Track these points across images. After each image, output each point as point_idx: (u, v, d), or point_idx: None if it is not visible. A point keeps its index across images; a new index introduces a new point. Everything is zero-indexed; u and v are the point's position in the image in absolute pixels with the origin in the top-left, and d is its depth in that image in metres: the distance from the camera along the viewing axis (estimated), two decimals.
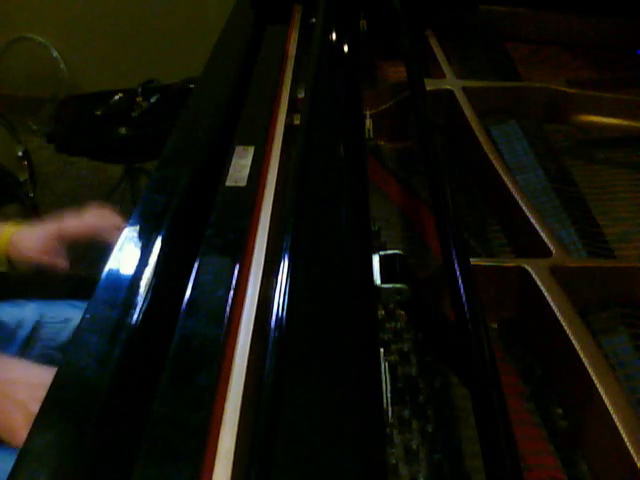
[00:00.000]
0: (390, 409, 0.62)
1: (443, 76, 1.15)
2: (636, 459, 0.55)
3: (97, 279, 0.65)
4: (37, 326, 1.10)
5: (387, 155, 1.12)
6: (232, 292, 0.61)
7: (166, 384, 0.52)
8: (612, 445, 0.58)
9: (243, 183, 0.77)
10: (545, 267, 0.75)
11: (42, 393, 0.56)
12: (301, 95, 0.99)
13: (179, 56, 2.35)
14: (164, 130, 1.10)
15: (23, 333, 1.08)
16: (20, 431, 0.68)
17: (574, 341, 0.66)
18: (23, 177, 1.94)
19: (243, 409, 0.51)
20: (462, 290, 0.61)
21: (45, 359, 1.06)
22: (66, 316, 1.11)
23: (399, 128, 1.14)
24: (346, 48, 1.09)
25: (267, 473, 0.45)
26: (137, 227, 0.73)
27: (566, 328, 0.67)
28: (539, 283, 0.73)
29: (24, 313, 1.12)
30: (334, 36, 1.10)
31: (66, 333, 1.09)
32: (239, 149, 0.83)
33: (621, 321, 0.76)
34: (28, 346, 1.07)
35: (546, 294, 0.71)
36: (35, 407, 0.67)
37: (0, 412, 0.71)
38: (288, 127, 0.91)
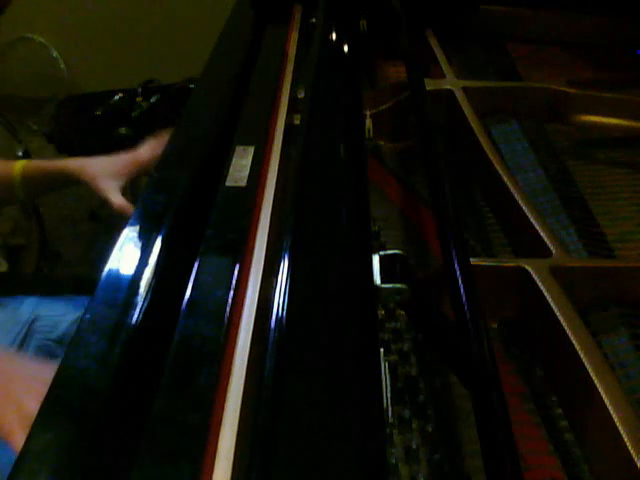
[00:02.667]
0: (390, 409, 0.62)
1: (443, 76, 1.15)
2: (636, 459, 0.55)
3: (97, 279, 0.65)
4: (35, 319, 1.11)
5: (387, 155, 1.12)
6: (232, 292, 0.61)
7: (166, 384, 0.52)
8: (612, 445, 0.58)
9: (243, 183, 0.77)
10: (545, 267, 0.75)
11: (38, 389, 0.56)
12: (301, 95, 0.98)
13: (179, 56, 2.35)
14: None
15: (21, 326, 1.09)
16: (13, 427, 0.67)
17: (574, 341, 0.66)
18: None
19: (243, 409, 0.51)
20: (462, 290, 0.61)
21: (43, 351, 1.07)
22: (64, 310, 1.12)
23: (399, 128, 1.14)
24: (346, 48, 1.09)
25: (267, 473, 0.45)
26: (137, 227, 0.73)
27: (566, 328, 0.67)
28: (539, 283, 0.73)
29: (22, 307, 1.12)
30: (334, 36, 1.10)
31: (64, 325, 1.10)
32: (239, 149, 0.83)
33: (621, 321, 0.76)
34: (26, 338, 1.08)
35: (546, 294, 0.71)
36: (30, 403, 0.67)
37: None
38: (288, 127, 0.91)
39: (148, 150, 1.11)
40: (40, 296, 1.17)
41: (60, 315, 1.12)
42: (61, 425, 0.52)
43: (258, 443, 0.46)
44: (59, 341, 1.09)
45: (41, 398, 0.54)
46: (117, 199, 1.06)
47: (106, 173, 1.08)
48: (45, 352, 1.07)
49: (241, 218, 0.72)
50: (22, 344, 1.07)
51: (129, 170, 1.10)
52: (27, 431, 0.52)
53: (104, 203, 1.08)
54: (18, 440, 0.65)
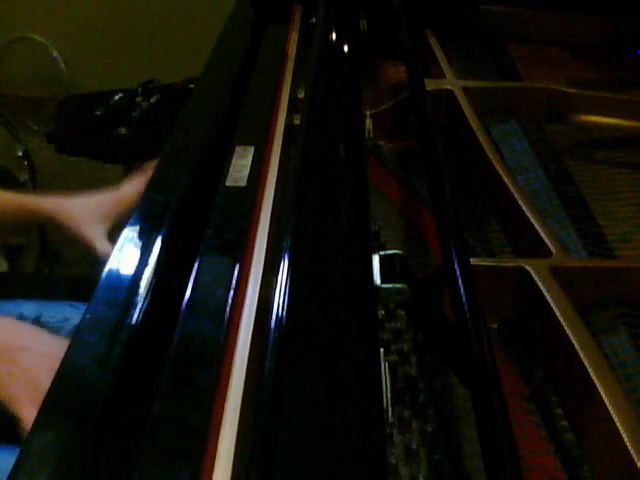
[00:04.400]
0: (390, 409, 0.62)
1: (443, 76, 1.15)
2: (636, 459, 0.55)
3: (97, 279, 0.65)
4: (36, 324, 1.10)
5: (387, 155, 1.12)
6: (232, 292, 0.61)
7: (166, 384, 0.52)
8: (612, 445, 0.58)
9: (243, 183, 0.77)
10: (545, 267, 0.75)
11: (50, 362, 0.55)
12: (301, 95, 0.98)
13: (179, 56, 2.35)
14: (164, 130, 1.10)
15: None
16: (22, 398, 0.67)
17: (574, 341, 0.66)
18: (23, 177, 1.94)
19: (243, 409, 0.51)
20: (462, 290, 0.61)
21: None
22: (65, 316, 1.11)
23: (399, 128, 1.14)
24: (346, 48, 1.09)
25: (267, 473, 0.45)
26: (137, 227, 0.73)
27: (566, 328, 0.67)
28: (539, 283, 0.73)
29: (22, 312, 1.12)
30: (334, 36, 1.10)
31: (65, 332, 1.08)
32: (239, 149, 0.83)
33: (621, 321, 0.76)
34: None
35: (546, 294, 0.71)
36: (41, 375, 0.66)
37: (4, 377, 0.70)
38: (288, 127, 0.91)
39: (133, 187, 1.03)
40: (41, 300, 1.16)
41: (62, 321, 1.11)
42: (61, 425, 0.52)
43: (258, 443, 0.46)
44: None
45: (52, 371, 0.54)
46: (104, 246, 0.96)
47: (89, 217, 0.98)
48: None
49: (241, 218, 0.72)
50: None
51: (114, 211, 1.00)
52: (37, 403, 0.51)
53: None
54: (27, 413, 0.64)
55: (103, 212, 1.00)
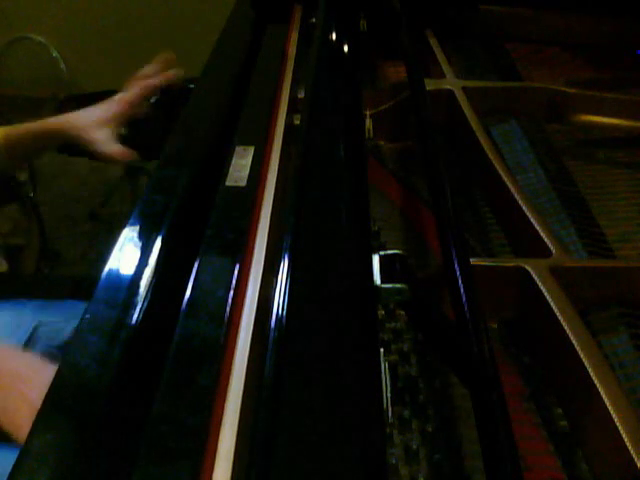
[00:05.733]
0: (390, 409, 0.62)
1: (443, 76, 1.15)
2: (636, 459, 0.55)
3: (97, 279, 0.65)
4: (38, 325, 1.10)
5: (387, 155, 1.12)
6: (232, 292, 0.61)
7: (166, 384, 0.52)
8: (612, 445, 0.58)
9: (243, 183, 0.77)
10: (545, 267, 0.75)
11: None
12: (301, 95, 0.98)
13: (179, 56, 2.34)
14: (164, 130, 1.10)
15: (24, 332, 1.08)
16: (24, 424, 0.68)
17: (574, 341, 0.66)
18: (23, 177, 1.94)
19: (243, 409, 0.51)
20: (462, 290, 0.61)
21: (46, 357, 1.06)
22: (67, 316, 1.11)
23: (399, 128, 1.14)
24: (346, 48, 1.09)
25: (267, 473, 0.45)
26: (137, 227, 0.73)
27: (566, 328, 0.67)
28: (539, 283, 0.73)
29: (25, 313, 1.12)
30: (334, 36, 1.10)
31: (66, 332, 1.09)
32: (239, 149, 0.83)
33: (621, 321, 0.76)
34: (29, 344, 1.07)
35: (546, 294, 0.71)
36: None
37: (11, 409, 0.71)
38: (288, 127, 0.91)
39: (132, 90, 1.11)
40: (43, 300, 1.16)
41: (63, 321, 1.11)
42: (61, 425, 0.52)
43: (258, 443, 0.46)
44: (62, 348, 1.08)
45: None
46: (114, 147, 1.05)
47: (95, 122, 1.07)
48: (48, 358, 1.07)
49: (241, 218, 0.72)
50: (24, 350, 1.06)
51: (117, 114, 1.08)
52: None
53: (104, 160, 1.07)
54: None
55: (107, 116, 1.08)
